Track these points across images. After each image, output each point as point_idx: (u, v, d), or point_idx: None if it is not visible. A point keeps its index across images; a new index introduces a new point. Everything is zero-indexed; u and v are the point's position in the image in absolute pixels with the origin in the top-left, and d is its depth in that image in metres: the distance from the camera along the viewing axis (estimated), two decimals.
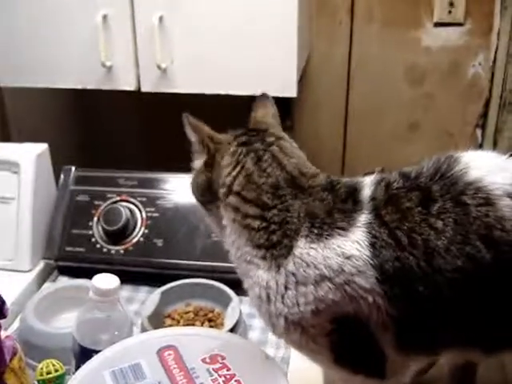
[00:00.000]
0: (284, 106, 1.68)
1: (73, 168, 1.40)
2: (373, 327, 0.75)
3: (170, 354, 0.84)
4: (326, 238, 0.75)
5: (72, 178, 1.39)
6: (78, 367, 0.93)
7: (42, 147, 1.38)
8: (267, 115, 0.91)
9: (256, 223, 0.79)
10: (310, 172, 0.83)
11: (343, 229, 0.75)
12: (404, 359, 0.79)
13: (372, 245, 0.74)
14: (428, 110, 1.64)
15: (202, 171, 0.86)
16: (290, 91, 1.35)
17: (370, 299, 0.74)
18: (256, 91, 1.33)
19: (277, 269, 0.77)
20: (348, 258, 0.74)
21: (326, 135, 1.71)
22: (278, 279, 0.77)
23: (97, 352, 0.89)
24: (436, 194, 0.75)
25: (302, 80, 1.36)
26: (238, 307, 1.11)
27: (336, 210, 0.77)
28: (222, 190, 0.82)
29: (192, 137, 0.86)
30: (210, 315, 1.15)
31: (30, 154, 1.35)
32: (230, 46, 1.33)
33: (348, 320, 0.75)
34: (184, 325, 1.13)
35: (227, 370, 0.81)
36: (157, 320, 1.12)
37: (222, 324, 1.13)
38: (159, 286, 1.20)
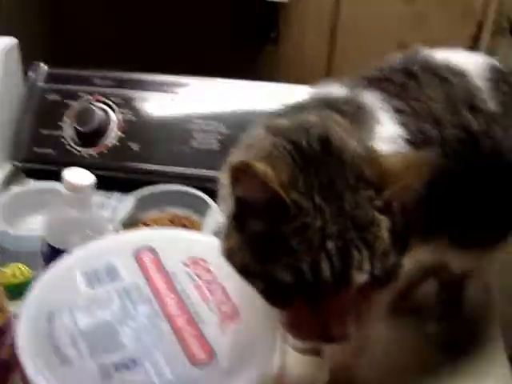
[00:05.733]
0: (270, 16, 1.60)
1: (42, 64, 1.30)
2: None
3: (147, 256, 0.78)
4: None
5: (42, 76, 1.28)
6: None
7: (11, 42, 1.27)
8: None
9: None
10: None
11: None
12: None
13: None
14: (419, 30, 1.57)
15: None
16: None
17: None
18: None
19: None
20: None
21: (312, 48, 1.63)
22: None
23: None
24: (415, 71, 0.78)
25: None
26: (217, 216, 1.05)
27: None
28: None
29: None
30: (187, 223, 1.09)
31: None
32: None
33: None
34: None
35: (211, 276, 0.76)
36: (131, 227, 1.06)
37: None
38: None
